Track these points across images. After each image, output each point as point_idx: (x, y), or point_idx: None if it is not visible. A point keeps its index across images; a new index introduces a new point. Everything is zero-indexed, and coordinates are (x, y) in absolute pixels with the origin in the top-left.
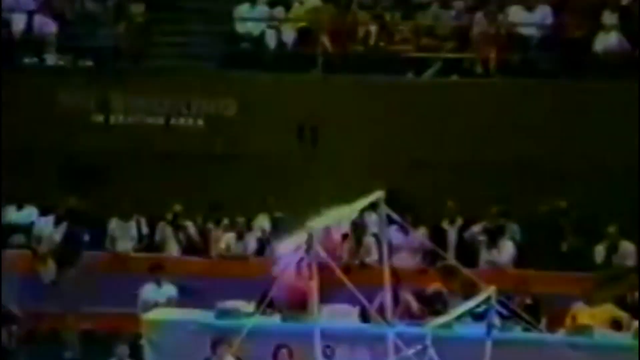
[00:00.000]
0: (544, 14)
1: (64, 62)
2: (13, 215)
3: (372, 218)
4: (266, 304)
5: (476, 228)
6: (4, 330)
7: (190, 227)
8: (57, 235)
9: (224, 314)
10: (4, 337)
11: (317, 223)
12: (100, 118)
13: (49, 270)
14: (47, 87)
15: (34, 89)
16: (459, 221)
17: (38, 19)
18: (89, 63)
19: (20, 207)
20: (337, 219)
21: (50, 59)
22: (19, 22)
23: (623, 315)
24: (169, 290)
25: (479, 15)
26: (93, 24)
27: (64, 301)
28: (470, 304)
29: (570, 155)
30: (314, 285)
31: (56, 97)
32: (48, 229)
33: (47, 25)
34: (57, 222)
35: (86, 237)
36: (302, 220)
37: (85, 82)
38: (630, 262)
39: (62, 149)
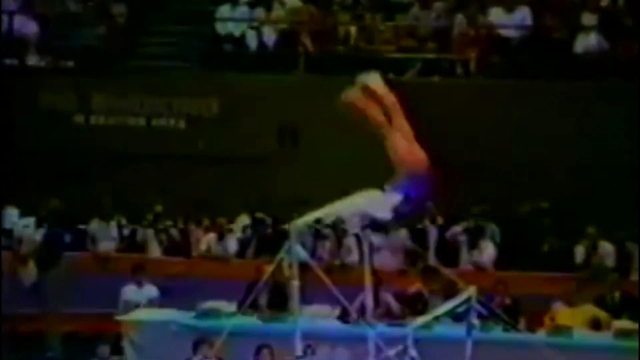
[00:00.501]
0: (523, 15)
1: (45, 63)
2: None
3: (352, 219)
4: (248, 305)
5: (457, 228)
6: None
7: (172, 228)
8: (38, 236)
9: (205, 314)
10: None
11: (298, 223)
12: (81, 119)
13: (30, 271)
14: (28, 88)
15: (14, 90)
16: (440, 221)
17: (19, 19)
18: (70, 64)
19: (1, 208)
20: (318, 218)
21: (31, 59)
22: None
23: (602, 315)
24: (150, 290)
25: (459, 17)
26: (74, 24)
27: (45, 302)
28: (451, 304)
29: (551, 155)
30: (294, 284)
31: (37, 98)
32: (29, 230)
33: (28, 26)
34: (38, 223)
35: (67, 238)
36: (283, 221)
37: (66, 83)
38: (610, 262)
39: (44, 149)
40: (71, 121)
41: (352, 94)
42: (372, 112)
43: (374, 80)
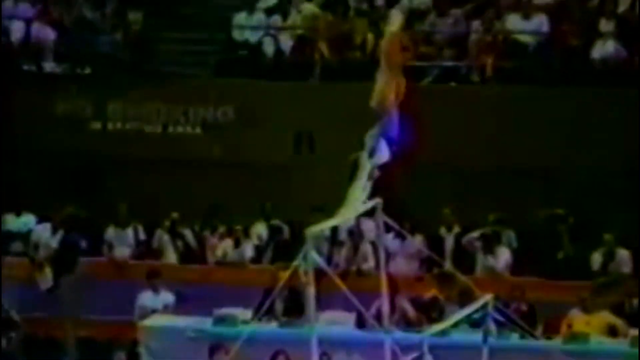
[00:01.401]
0: (540, 21)
1: (62, 70)
2: (11, 222)
3: (368, 225)
4: (264, 311)
5: (473, 235)
6: (4, 336)
7: (188, 234)
8: (55, 242)
9: (221, 320)
10: (4, 343)
11: (314, 230)
12: (98, 125)
13: (47, 277)
14: (45, 95)
15: (32, 97)
16: (456, 228)
17: (36, 26)
18: (87, 71)
19: (18, 214)
20: (334, 225)
21: (48, 66)
22: (17, 30)
23: (619, 322)
24: (166, 297)
25: (476, 23)
26: (91, 31)
27: (61, 308)
28: (467, 310)
29: (567, 162)
30: (311, 291)
31: (54, 104)
32: (45, 236)
33: (45, 33)
34: (54, 229)
35: (83, 244)
36: (299, 227)
37: (83, 89)
38: (627, 269)
39: (60, 156)
40: (88, 127)
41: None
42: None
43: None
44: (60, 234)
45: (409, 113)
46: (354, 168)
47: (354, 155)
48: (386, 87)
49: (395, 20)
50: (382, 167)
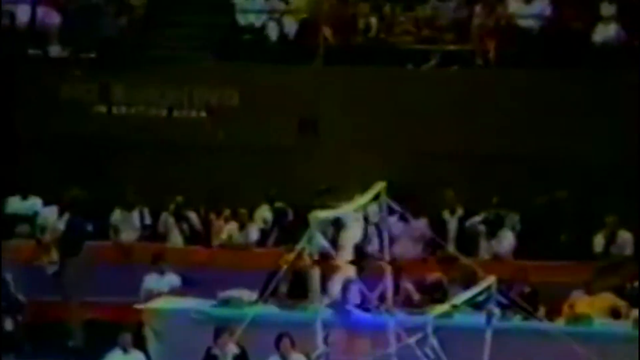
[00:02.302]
0: (542, 5)
1: (66, 54)
2: (17, 205)
3: (372, 208)
4: (269, 293)
5: (476, 218)
6: (10, 318)
7: (193, 218)
8: (61, 225)
9: (226, 303)
10: (10, 325)
11: (317, 214)
12: (102, 109)
13: (53, 259)
14: (50, 79)
15: (37, 81)
16: (460, 211)
17: (41, 10)
18: (92, 55)
19: (24, 197)
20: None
21: (54, 50)
22: (22, 14)
23: (622, 303)
24: (172, 279)
25: (478, 7)
26: (95, 15)
27: (67, 290)
28: (471, 293)
29: (570, 145)
30: (315, 273)
31: (59, 88)
32: (52, 218)
33: (50, 17)
34: (60, 212)
35: (89, 227)
36: (303, 211)
37: (87, 73)
38: (629, 251)
39: (65, 139)
40: (92, 111)
41: None
42: None
43: None
44: (66, 217)
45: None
46: None
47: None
48: None
49: None
50: None
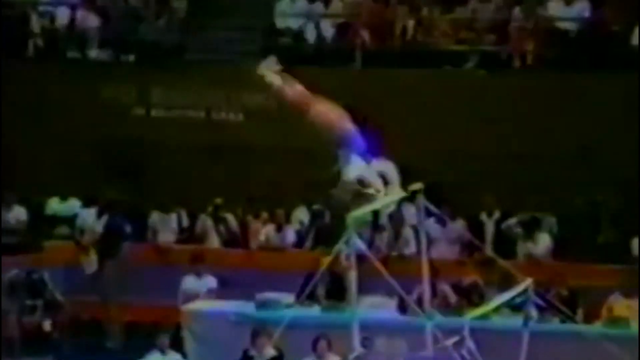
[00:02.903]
0: (582, 7)
1: (106, 56)
2: (57, 206)
3: (410, 210)
4: (306, 295)
5: (513, 220)
6: (49, 319)
7: (231, 219)
8: (100, 226)
9: (263, 305)
10: (49, 325)
11: (356, 215)
12: (141, 111)
13: (92, 261)
14: (89, 81)
15: (77, 83)
16: (497, 214)
17: (81, 13)
18: (131, 58)
19: (63, 198)
20: (375, 209)
21: (93, 53)
22: (62, 17)
23: None
24: (209, 281)
25: (517, 9)
26: (135, 18)
27: (105, 292)
28: (508, 295)
29: (608, 147)
30: (352, 275)
31: (99, 90)
32: (91, 220)
33: (90, 20)
34: (99, 214)
35: (128, 229)
36: (341, 213)
37: (127, 76)
38: None
39: (105, 141)
40: (132, 113)
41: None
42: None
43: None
44: (105, 218)
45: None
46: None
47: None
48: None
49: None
50: None
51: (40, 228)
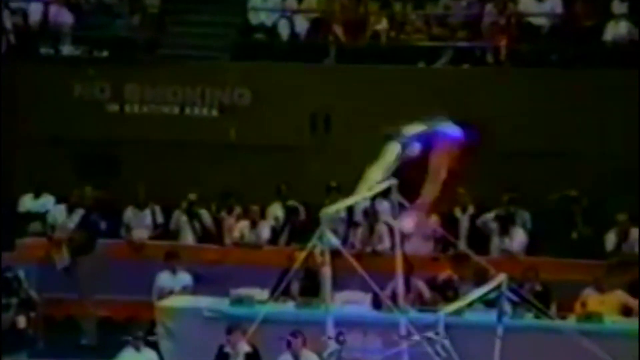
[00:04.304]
0: (554, 3)
1: (79, 53)
2: (30, 203)
3: (383, 205)
4: (280, 292)
5: (488, 216)
6: (23, 315)
7: (205, 216)
8: (73, 223)
9: (238, 301)
10: (23, 322)
11: (330, 210)
12: (115, 108)
13: (63, 256)
14: (63, 77)
15: (50, 79)
16: (471, 209)
17: (54, 9)
18: (104, 54)
19: (37, 195)
20: (349, 205)
21: (66, 49)
22: (35, 13)
23: (633, 301)
24: (184, 278)
25: (489, 5)
26: (108, 14)
27: (80, 288)
28: (482, 290)
29: (581, 143)
30: (327, 271)
31: (72, 87)
32: (63, 216)
33: (63, 16)
34: (72, 210)
35: (102, 225)
36: (315, 208)
37: (100, 72)
38: None
39: (78, 138)
40: (105, 110)
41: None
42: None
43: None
44: (78, 215)
45: None
46: (384, 148)
47: (388, 130)
48: None
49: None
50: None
51: (13, 225)
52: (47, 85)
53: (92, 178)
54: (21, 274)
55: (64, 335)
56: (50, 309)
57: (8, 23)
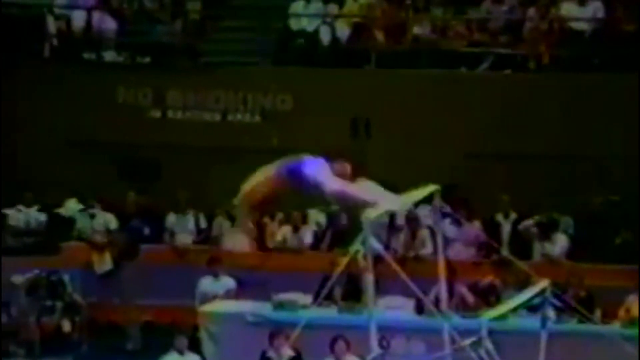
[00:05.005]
0: (595, 8)
1: (122, 59)
2: (73, 207)
3: (425, 211)
4: (323, 297)
5: (530, 221)
6: (68, 319)
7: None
8: (117, 228)
9: (281, 306)
10: (68, 326)
11: (371, 215)
12: (157, 114)
13: (105, 261)
14: (105, 83)
15: (92, 86)
16: (513, 215)
17: (97, 16)
18: (147, 60)
19: (81, 200)
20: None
21: (109, 55)
22: (78, 19)
23: None
24: (227, 282)
25: (531, 10)
26: (150, 21)
27: (124, 293)
28: (525, 296)
29: (623, 148)
30: (369, 276)
31: (115, 93)
32: (107, 222)
33: (106, 23)
34: (116, 216)
35: (145, 231)
36: (357, 214)
37: (142, 78)
38: None
39: (121, 144)
40: (148, 116)
41: None
42: None
43: None
44: (122, 220)
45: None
46: None
47: None
48: None
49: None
50: None
51: (58, 229)
52: (90, 90)
53: (134, 183)
54: (66, 278)
55: (109, 339)
56: (95, 313)
57: (52, 28)
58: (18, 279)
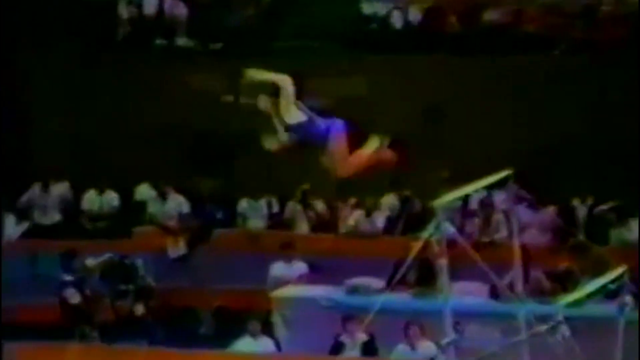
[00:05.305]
0: None
1: (193, 45)
2: (146, 192)
3: (500, 196)
4: (396, 281)
5: (606, 206)
6: (141, 303)
7: (319, 205)
8: (190, 212)
9: (354, 290)
10: (141, 310)
11: (445, 200)
12: (230, 99)
13: (179, 246)
14: (177, 69)
15: (164, 71)
16: (589, 199)
17: (169, 1)
18: (218, 46)
19: (154, 185)
20: (465, 195)
21: (181, 41)
22: (150, 4)
23: None
24: (299, 267)
25: None
26: (222, 7)
27: (197, 277)
28: (602, 281)
29: None
30: (443, 261)
31: (186, 78)
32: (180, 206)
33: (178, 8)
34: (189, 200)
35: (218, 215)
36: (430, 199)
37: (215, 64)
38: None
39: (193, 129)
40: (220, 101)
41: None
42: None
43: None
44: (195, 205)
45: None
46: None
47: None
48: None
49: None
50: None
51: (130, 214)
52: (161, 76)
53: (207, 169)
54: (139, 262)
55: (182, 324)
56: (168, 297)
57: (124, 13)
58: (91, 262)
